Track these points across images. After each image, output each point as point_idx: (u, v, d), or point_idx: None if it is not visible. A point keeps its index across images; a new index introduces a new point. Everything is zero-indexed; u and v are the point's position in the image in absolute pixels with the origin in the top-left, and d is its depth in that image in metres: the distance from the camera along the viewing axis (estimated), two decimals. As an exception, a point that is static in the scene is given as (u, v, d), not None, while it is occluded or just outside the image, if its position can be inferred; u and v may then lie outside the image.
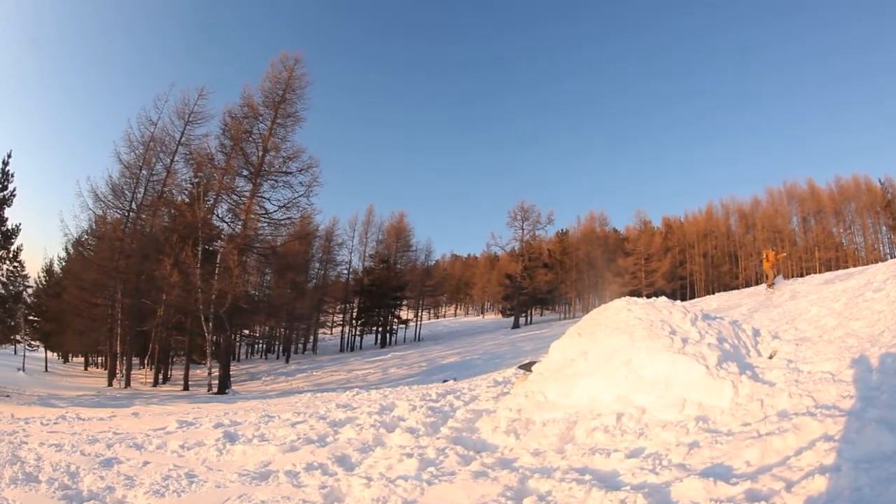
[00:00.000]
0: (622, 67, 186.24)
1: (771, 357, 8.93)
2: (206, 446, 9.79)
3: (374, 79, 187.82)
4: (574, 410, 8.04)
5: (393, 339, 69.29)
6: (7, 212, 28.00)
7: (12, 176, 27.88)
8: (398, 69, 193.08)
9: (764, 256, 26.70)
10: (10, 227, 28.29)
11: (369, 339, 69.56)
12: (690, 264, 75.63)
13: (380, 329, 68.61)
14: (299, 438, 9.45)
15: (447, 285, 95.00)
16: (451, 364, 39.38)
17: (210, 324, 31.13)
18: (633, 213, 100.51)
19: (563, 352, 9.53)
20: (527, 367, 10.90)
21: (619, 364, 8.29)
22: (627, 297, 10.51)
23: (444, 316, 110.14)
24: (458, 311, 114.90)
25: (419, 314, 75.60)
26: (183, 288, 31.46)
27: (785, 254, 31.39)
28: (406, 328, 70.65)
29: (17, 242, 29.03)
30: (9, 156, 27.64)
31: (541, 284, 73.08)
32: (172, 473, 8.07)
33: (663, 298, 10.22)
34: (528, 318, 76.67)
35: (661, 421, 7.17)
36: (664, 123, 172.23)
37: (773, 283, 24.61)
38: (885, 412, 5.89)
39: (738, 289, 40.87)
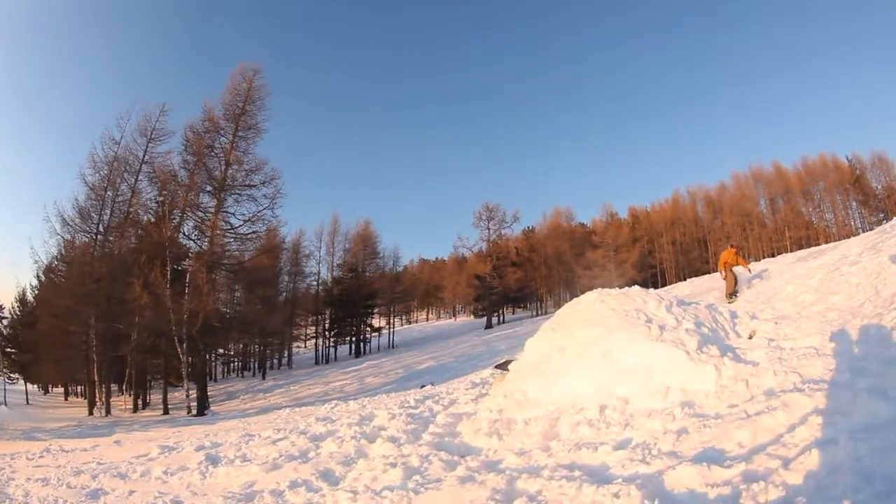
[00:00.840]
0: (578, 62, 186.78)
1: (751, 337, 8.93)
2: (190, 470, 9.74)
3: (329, 85, 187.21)
4: (555, 406, 7.93)
5: (367, 348, 68.95)
6: None
7: None
8: (354, 74, 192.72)
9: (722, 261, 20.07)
10: None
11: (343, 349, 69.32)
12: (660, 253, 75.96)
13: (353, 339, 68.40)
14: (281, 456, 9.33)
15: (417, 290, 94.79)
16: (428, 369, 39.38)
17: (184, 345, 30.94)
18: (599, 207, 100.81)
19: (538, 348, 9.45)
20: (503, 367, 10.75)
21: (596, 356, 8.21)
22: (599, 289, 10.48)
23: (417, 321, 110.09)
24: (429, 315, 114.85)
25: (391, 321, 75.34)
26: (154, 309, 31.20)
27: (750, 264, 21.88)
28: (379, 336, 70.53)
29: None
30: None
31: (511, 283, 73.22)
32: (158, 501, 8.05)
33: (636, 287, 10.18)
34: (501, 318, 76.80)
35: (645, 410, 7.07)
36: (626, 116, 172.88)
37: (733, 293, 18.10)
38: (875, 381, 5.87)
39: (708, 274, 41.11)
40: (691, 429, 6.19)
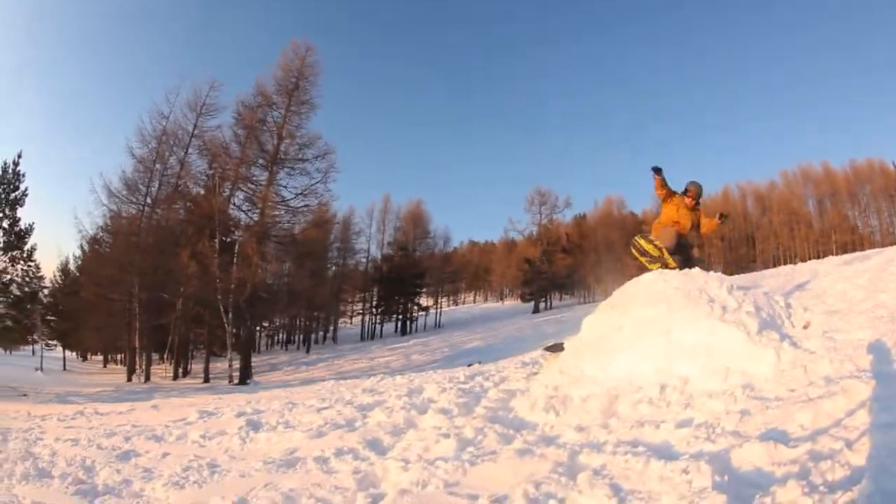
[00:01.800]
0: (636, 54, 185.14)
1: (805, 327, 8.69)
2: (229, 435, 9.73)
3: (387, 69, 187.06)
4: (613, 385, 7.81)
5: (413, 326, 69.45)
6: (20, 212, 28.45)
7: (23, 176, 28.30)
8: (410, 59, 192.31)
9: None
10: (23, 227, 28.66)
11: (389, 327, 69.68)
12: (708, 247, 74.59)
13: (400, 317, 68.46)
14: (326, 424, 9.24)
15: (466, 272, 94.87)
16: (475, 349, 39.39)
17: (230, 315, 31.33)
18: (650, 198, 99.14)
19: (596, 326, 9.34)
20: (553, 349, 10.69)
21: (657, 335, 8.08)
22: (659, 269, 10.40)
23: (464, 303, 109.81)
24: (477, 297, 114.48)
25: (439, 301, 75.42)
26: (201, 279, 31.70)
27: (720, 218, 11.11)
28: (426, 315, 70.84)
29: (30, 242, 29.29)
30: (19, 156, 28.03)
31: (559, 269, 72.97)
32: (193, 464, 8.01)
33: (697, 269, 10.01)
34: (549, 303, 76.40)
35: (705, 391, 6.98)
36: (683, 109, 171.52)
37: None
38: (925, 369, 5.85)
39: (755, 271, 40.70)
40: (753, 410, 6.10)
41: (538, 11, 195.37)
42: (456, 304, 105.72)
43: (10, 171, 28.09)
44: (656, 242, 10.94)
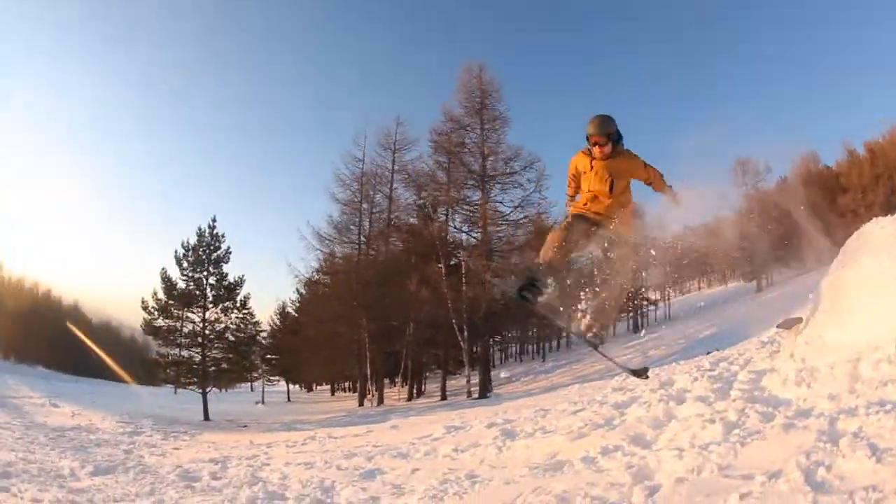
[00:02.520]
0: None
1: None
2: (483, 446, 9.93)
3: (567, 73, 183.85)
4: (853, 349, 7.60)
5: (644, 321, 68.03)
6: (227, 267, 30.94)
7: (223, 237, 30.84)
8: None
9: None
10: (231, 281, 30.98)
11: (621, 326, 67.97)
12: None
13: (630, 314, 67.52)
14: (585, 425, 9.19)
15: (687, 257, 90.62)
16: (709, 336, 38.82)
17: (465, 333, 32.23)
18: (839, 145, 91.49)
19: (828, 293, 9.13)
20: (787, 325, 10.50)
21: (889, 292, 7.74)
22: (875, 219, 9.87)
23: (690, 291, 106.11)
24: (701, 284, 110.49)
25: (666, 292, 74.09)
26: (432, 303, 32.70)
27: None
28: (656, 309, 69.71)
29: (242, 292, 31.45)
30: (213, 220, 30.70)
31: (773, 240, 69.80)
32: (449, 476, 8.14)
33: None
34: (769, 280, 73.28)
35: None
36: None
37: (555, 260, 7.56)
38: None
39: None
40: None
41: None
42: (682, 293, 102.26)
43: (208, 233, 30.58)
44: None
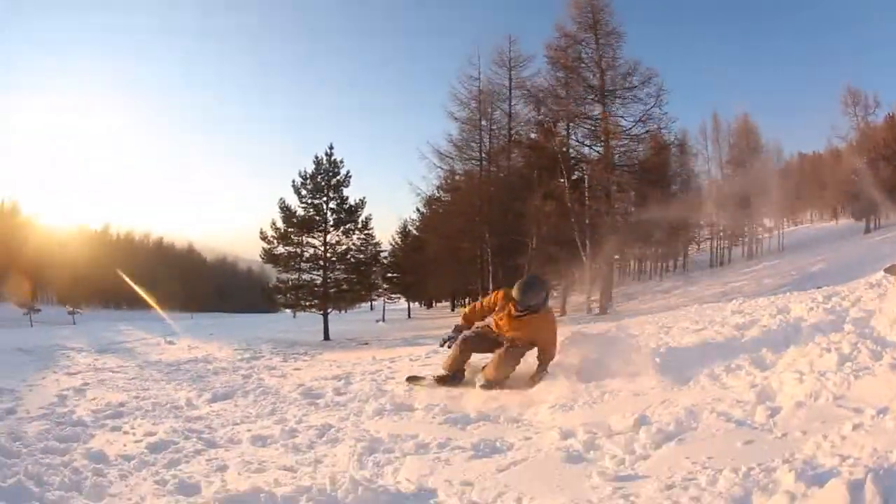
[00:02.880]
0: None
1: None
2: None
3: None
4: None
5: (759, 249, 66.16)
6: (346, 191, 31.44)
7: (341, 162, 31.17)
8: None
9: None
10: (352, 203, 31.35)
11: (736, 252, 66.71)
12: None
13: (745, 240, 65.68)
14: (707, 344, 9.08)
15: (799, 188, 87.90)
16: (819, 271, 38.32)
17: (587, 248, 32.00)
18: None
19: None
20: (892, 271, 10.88)
21: None
22: None
23: (801, 223, 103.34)
24: (812, 217, 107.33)
25: (779, 222, 71.40)
26: (556, 218, 32.64)
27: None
28: (770, 238, 67.36)
29: (363, 214, 31.76)
30: (331, 147, 31.14)
31: (884, 180, 66.56)
32: (578, 387, 8.03)
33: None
34: (877, 222, 70.34)
35: None
36: None
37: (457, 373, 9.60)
38: None
39: None
40: None
41: None
42: (794, 224, 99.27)
43: (326, 160, 30.94)
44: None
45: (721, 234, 65.00)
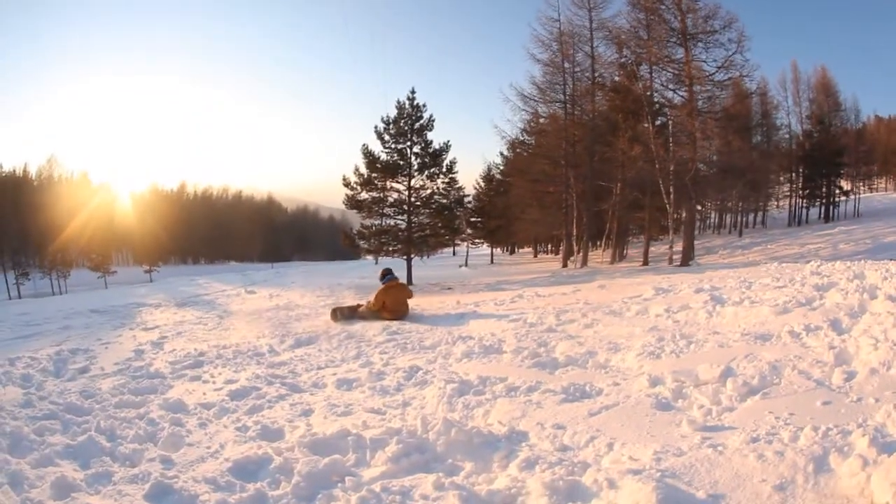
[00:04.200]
0: None
1: None
2: (693, 310, 10.14)
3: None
4: None
5: (836, 212, 64.34)
6: (430, 135, 30.90)
7: (424, 106, 30.67)
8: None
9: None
10: (436, 147, 30.85)
11: (813, 212, 65.13)
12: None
13: (822, 201, 63.93)
14: (790, 301, 9.32)
15: (876, 153, 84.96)
16: (893, 243, 37.91)
17: (671, 196, 31.54)
18: None
19: None
20: None
21: None
22: None
23: (877, 190, 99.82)
24: (886, 185, 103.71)
25: (856, 186, 69.28)
26: (643, 162, 32.05)
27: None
28: (846, 202, 65.45)
29: (448, 158, 31.35)
30: (412, 91, 30.58)
31: None
32: (665, 335, 8.42)
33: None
34: None
35: None
36: None
37: None
38: None
39: None
40: None
41: None
42: (870, 190, 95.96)
43: (408, 105, 30.51)
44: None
45: (799, 192, 63.22)
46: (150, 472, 4.69)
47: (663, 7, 33.50)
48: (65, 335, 12.99)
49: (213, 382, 8.25)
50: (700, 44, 32.90)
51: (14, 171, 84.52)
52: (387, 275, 14.78)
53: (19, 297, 49.68)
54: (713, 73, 32.62)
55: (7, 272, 57.55)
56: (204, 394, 7.63)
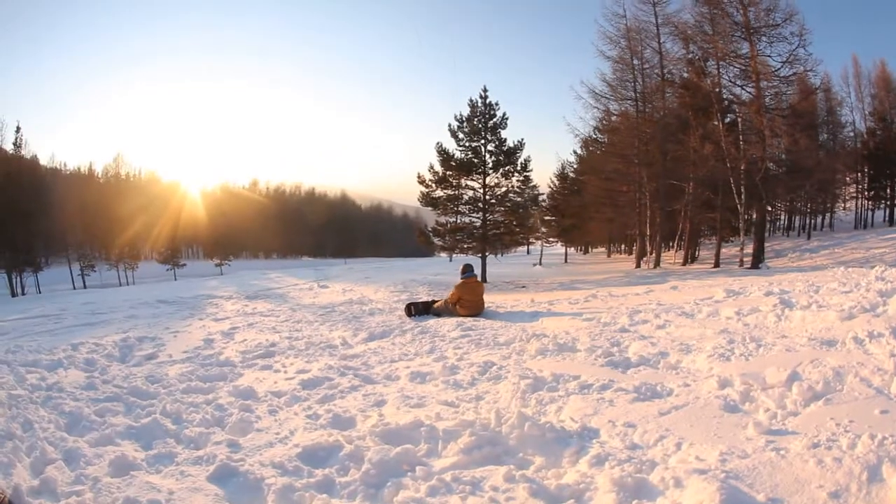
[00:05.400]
0: None
1: None
2: (763, 313, 9.95)
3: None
4: None
5: (903, 216, 62.11)
6: (504, 133, 30.93)
7: (497, 104, 30.73)
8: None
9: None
10: (510, 145, 30.89)
11: (878, 215, 61.81)
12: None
13: (888, 203, 61.86)
14: (855, 306, 9.07)
15: None
16: None
17: (742, 196, 31.28)
18: None
19: None
20: None
21: None
22: None
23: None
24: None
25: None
26: (715, 159, 31.87)
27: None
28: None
29: (522, 155, 31.30)
30: (484, 90, 30.69)
31: None
32: (735, 338, 8.34)
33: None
34: None
35: None
36: None
37: None
38: None
39: None
40: None
41: None
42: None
43: (481, 103, 30.61)
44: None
45: (865, 193, 61.13)
46: (215, 455, 5.02)
47: (725, 0, 33.60)
48: (131, 324, 13.47)
49: (285, 372, 8.57)
50: (764, 38, 32.60)
51: (79, 168, 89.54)
52: (467, 270, 14.78)
53: (84, 287, 51.03)
54: (779, 69, 32.31)
55: (72, 264, 58.25)
56: (275, 382, 7.98)
